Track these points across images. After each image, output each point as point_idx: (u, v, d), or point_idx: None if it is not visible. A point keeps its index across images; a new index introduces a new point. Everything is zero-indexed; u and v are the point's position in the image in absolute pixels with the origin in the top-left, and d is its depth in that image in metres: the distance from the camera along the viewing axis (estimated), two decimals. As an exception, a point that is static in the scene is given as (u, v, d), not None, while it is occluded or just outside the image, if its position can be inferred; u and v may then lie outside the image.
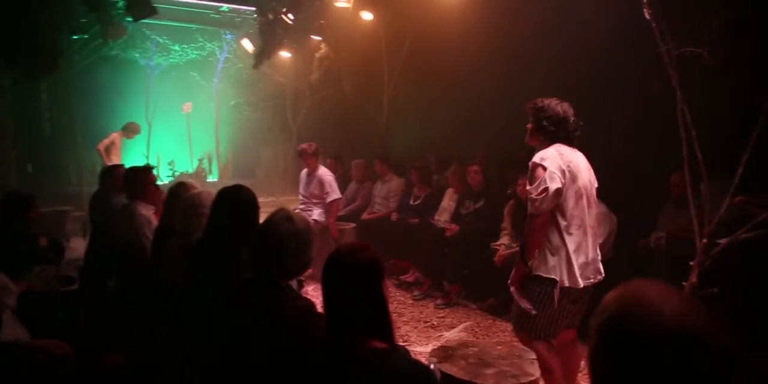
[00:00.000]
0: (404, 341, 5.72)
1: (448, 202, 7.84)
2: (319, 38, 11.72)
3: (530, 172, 3.66)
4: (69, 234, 9.05)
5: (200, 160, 15.06)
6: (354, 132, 12.45)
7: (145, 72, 14.27)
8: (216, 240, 3.40)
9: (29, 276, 4.97)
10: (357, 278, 2.20)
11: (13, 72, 9.99)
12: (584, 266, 3.73)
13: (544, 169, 3.59)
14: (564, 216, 3.65)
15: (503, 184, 7.60)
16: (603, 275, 3.84)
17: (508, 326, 5.85)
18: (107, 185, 6.17)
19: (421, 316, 6.66)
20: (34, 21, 9.02)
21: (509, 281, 3.81)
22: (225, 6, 13.10)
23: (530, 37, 8.00)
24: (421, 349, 5.46)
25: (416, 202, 8.29)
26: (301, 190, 8.38)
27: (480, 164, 7.56)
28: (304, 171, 8.37)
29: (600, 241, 4.38)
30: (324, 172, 8.22)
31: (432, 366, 3.81)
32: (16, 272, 4.29)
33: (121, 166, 6.34)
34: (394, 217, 8.38)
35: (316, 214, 8.13)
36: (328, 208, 8.12)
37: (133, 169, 5.25)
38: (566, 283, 3.69)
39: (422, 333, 6.05)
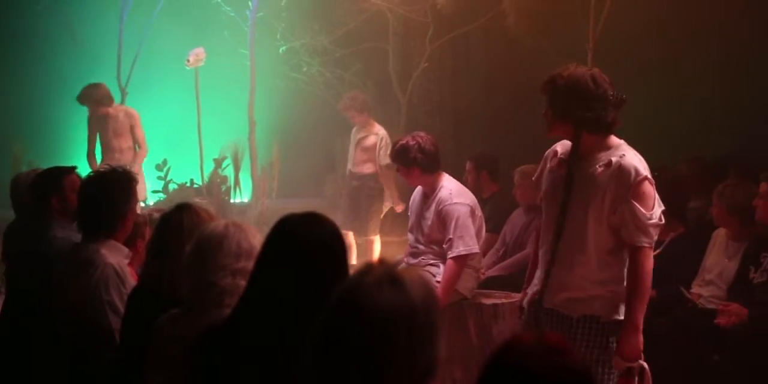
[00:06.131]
0: None
1: (717, 256, 4.71)
2: None
3: (633, 188, 3.12)
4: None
5: (217, 162, 8.90)
6: (522, 109, 6.88)
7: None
8: (264, 321, 2.23)
9: None
10: None
11: None
12: None
13: (651, 183, 3.16)
14: None
15: None
16: None
17: None
18: (41, 208, 3.90)
19: None
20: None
21: (627, 354, 3.14)
22: None
23: None
24: None
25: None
26: (411, 226, 4.95)
27: None
28: (418, 190, 4.91)
29: None
30: (450, 192, 4.66)
31: None
32: None
33: (72, 170, 4.03)
34: None
35: (442, 271, 4.74)
36: (450, 266, 4.60)
37: (98, 177, 3.57)
38: None
39: None
